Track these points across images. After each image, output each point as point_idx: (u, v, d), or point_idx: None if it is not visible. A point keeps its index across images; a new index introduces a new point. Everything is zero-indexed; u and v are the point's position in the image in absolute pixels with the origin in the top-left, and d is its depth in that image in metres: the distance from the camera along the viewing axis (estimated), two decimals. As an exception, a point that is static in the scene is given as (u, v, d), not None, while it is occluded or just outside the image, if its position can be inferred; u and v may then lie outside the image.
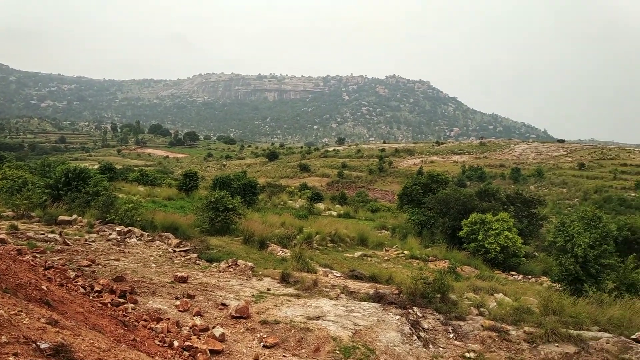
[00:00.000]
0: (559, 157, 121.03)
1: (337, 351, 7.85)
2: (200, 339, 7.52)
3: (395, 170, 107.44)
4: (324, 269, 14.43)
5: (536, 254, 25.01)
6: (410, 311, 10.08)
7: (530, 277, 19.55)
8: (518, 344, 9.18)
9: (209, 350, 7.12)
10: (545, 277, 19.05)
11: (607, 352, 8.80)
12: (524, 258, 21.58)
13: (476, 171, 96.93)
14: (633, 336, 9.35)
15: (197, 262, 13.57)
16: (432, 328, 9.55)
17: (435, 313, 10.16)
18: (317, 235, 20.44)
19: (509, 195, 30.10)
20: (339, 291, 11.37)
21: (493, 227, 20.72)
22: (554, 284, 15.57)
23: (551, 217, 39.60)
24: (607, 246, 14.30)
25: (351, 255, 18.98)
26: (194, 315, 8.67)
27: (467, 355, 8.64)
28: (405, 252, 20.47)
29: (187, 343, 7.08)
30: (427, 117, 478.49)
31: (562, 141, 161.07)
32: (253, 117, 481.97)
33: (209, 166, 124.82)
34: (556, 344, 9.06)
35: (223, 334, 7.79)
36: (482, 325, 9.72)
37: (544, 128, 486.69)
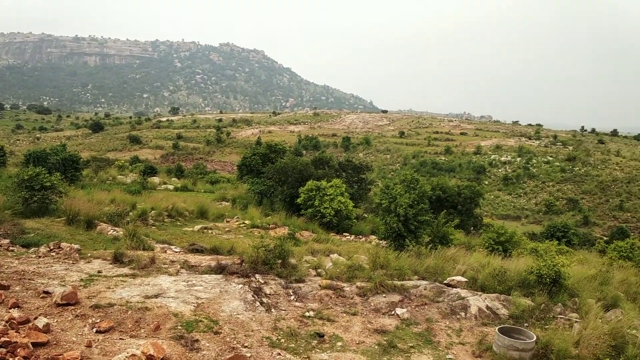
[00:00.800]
0: (383, 126, 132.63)
1: (179, 327, 7.64)
2: (19, 332, 6.64)
3: (234, 141, 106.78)
4: (161, 245, 13.80)
5: (365, 215, 27.27)
6: (253, 279, 10.23)
7: (361, 236, 21.28)
8: (352, 299, 9.97)
9: (32, 343, 6.35)
10: (373, 236, 20.94)
11: (424, 297, 10.06)
12: (355, 220, 23.36)
13: (311, 140, 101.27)
14: (445, 281, 10.82)
15: (11, 248, 11.88)
16: (274, 293, 9.83)
17: (276, 278, 10.48)
18: (153, 211, 19.40)
19: (341, 163, 32.11)
20: (179, 267, 11.00)
21: (328, 193, 21.95)
22: (381, 242, 17.20)
23: (377, 182, 43.45)
24: (423, 205, 16.18)
25: (191, 229, 18.46)
26: (10, 308, 7.61)
27: (307, 314, 9.11)
28: (247, 222, 20.61)
29: (3, 339, 6.20)
30: (263, 87, 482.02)
31: (385, 112, 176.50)
32: (71, 84, 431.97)
33: (18, 139, 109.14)
34: (384, 295, 10.05)
35: (48, 324, 6.99)
36: (320, 285, 10.32)
37: (370, 99, 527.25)
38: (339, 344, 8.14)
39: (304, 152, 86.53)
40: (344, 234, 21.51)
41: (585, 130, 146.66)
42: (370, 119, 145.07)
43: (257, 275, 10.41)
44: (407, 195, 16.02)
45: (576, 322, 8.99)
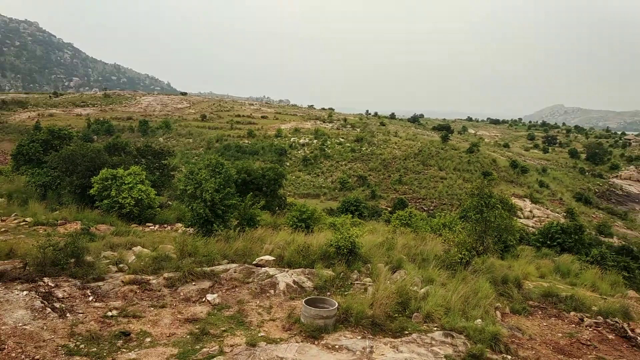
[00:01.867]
0: (184, 109, 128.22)
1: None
2: None
3: (5, 126, 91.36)
4: None
5: (170, 203, 26.16)
6: (41, 283, 8.97)
7: (166, 225, 20.35)
8: (159, 291, 9.50)
9: None
10: (179, 224, 20.22)
11: (235, 280, 10.13)
12: (159, 208, 22.21)
13: (103, 124, 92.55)
14: (254, 262, 11.05)
15: None
16: (68, 296, 8.79)
17: (70, 279, 9.37)
18: None
19: (139, 148, 30.09)
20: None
21: (126, 182, 20.38)
22: (188, 229, 16.70)
23: (181, 167, 41.89)
24: (229, 189, 16.18)
25: (-49, 232, 15.25)
26: None
27: (109, 314, 8.38)
28: (28, 219, 17.92)
29: None
30: (39, 64, 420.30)
31: (185, 94, 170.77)
32: None
33: None
34: (194, 283, 9.81)
35: None
36: (122, 281, 9.57)
37: (167, 80, 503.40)
38: (148, 339, 7.69)
39: (95, 137, 78.74)
40: (147, 224, 20.29)
41: (370, 114, 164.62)
42: (169, 101, 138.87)
43: (45, 279, 9.14)
44: (212, 180, 15.82)
45: (370, 285, 10.09)
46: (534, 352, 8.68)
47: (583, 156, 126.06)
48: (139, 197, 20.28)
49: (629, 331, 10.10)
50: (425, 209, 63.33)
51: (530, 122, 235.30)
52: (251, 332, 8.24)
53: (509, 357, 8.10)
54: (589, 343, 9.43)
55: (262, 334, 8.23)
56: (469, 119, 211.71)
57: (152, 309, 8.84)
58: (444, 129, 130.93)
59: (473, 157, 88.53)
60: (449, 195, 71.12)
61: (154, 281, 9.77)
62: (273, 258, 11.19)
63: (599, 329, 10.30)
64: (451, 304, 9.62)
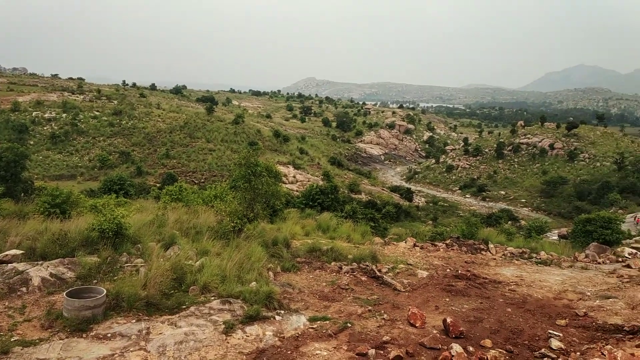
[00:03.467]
0: None
1: None
2: None
3: None
4: None
5: None
6: None
7: None
8: None
9: None
10: None
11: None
12: None
13: None
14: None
15: None
16: None
17: None
18: None
19: None
20: None
21: None
22: None
23: None
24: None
25: None
26: None
27: None
28: None
29: None
30: None
31: None
32: None
33: None
34: None
35: None
36: None
37: None
38: None
39: None
40: None
41: (127, 85, 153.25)
42: None
43: None
44: None
45: (142, 266, 9.56)
46: (303, 303, 9.55)
47: (334, 124, 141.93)
48: None
49: (377, 272, 11.92)
50: (196, 182, 62.97)
51: (288, 93, 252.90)
52: (1, 339, 7.01)
53: (282, 311, 8.74)
54: (347, 287, 10.81)
55: (16, 338, 7.07)
56: (232, 91, 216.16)
57: None
58: (209, 100, 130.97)
59: (239, 128, 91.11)
60: (219, 166, 72.02)
61: None
62: (22, 251, 9.63)
63: (355, 273, 11.89)
64: (227, 271, 9.84)
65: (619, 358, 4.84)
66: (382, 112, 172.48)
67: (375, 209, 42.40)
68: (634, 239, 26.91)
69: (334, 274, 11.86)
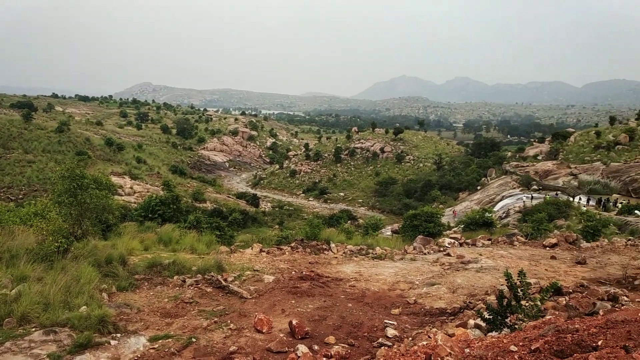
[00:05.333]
0: None
1: None
2: None
3: None
4: None
5: None
6: None
7: None
8: None
9: None
10: None
11: None
12: None
13: None
14: None
15: None
16: None
17: None
18: None
19: None
20: None
21: None
22: None
23: None
24: None
25: None
26: None
27: None
28: None
29: None
30: None
31: None
32: None
33: None
34: None
35: None
36: None
37: None
38: None
39: None
40: None
41: None
42: None
43: None
44: None
45: None
46: (142, 322, 8.88)
47: (174, 131, 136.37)
48: None
49: (222, 281, 11.64)
50: (13, 198, 55.28)
51: (121, 99, 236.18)
52: None
53: (119, 334, 8.00)
54: (191, 300, 10.35)
55: None
56: (55, 96, 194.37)
57: None
58: (26, 106, 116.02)
59: (64, 137, 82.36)
60: (40, 180, 64.10)
61: None
62: None
63: (199, 285, 11.45)
64: (50, 297, 8.70)
65: (439, 340, 5.37)
66: (225, 118, 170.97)
67: (221, 217, 41.59)
68: (453, 229, 30.70)
69: (177, 288, 11.29)
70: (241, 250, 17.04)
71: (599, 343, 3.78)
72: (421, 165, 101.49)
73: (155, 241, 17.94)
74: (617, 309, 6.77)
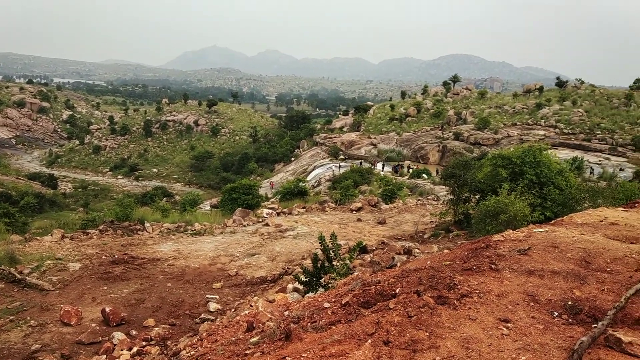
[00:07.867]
0: None
1: None
2: None
3: None
4: None
5: None
6: None
7: None
8: None
9: None
10: None
11: None
12: None
13: None
14: None
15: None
16: None
17: None
18: None
19: None
20: None
21: None
22: None
23: None
24: None
25: None
26: None
27: None
28: None
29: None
30: None
31: None
32: None
33: None
34: None
35: None
36: None
37: None
38: None
39: None
40: None
41: None
42: None
43: None
44: None
45: None
46: None
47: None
48: None
49: (16, 275, 10.17)
50: None
51: None
52: None
53: None
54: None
55: None
56: None
57: None
58: None
59: None
60: None
61: None
62: None
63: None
64: None
65: (260, 307, 5.57)
66: (7, 87, 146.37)
67: (10, 203, 36.18)
68: (270, 200, 31.67)
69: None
70: (38, 238, 15.12)
71: (397, 290, 4.35)
72: (237, 138, 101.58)
73: None
74: (410, 260, 7.85)
